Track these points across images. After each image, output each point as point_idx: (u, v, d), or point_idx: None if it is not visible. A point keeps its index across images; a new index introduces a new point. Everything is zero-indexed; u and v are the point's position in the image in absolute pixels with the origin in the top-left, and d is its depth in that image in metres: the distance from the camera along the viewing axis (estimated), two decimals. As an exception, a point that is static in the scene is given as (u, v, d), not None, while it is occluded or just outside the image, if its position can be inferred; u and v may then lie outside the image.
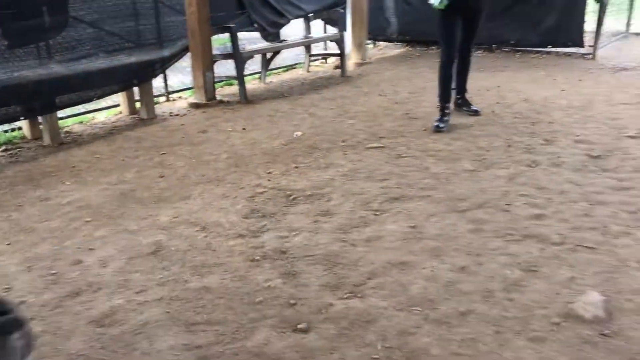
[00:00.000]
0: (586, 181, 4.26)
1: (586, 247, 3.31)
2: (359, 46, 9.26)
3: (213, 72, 6.92)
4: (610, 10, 9.93)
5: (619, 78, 7.43)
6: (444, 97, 5.67)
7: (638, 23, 10.47)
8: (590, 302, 2.75)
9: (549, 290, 2.88)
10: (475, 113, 6.03)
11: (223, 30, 6.96)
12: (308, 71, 9.03)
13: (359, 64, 9.21)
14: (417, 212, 3.81)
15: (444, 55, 5.60)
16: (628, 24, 10.15)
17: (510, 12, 9.10)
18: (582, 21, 8.61)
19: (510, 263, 3.14)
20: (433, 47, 9.80)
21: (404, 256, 3.24)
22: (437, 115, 5.68)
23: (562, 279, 2.99)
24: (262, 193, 4.19)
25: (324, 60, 9.78)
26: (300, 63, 9.38)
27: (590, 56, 8.56)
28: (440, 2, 5.24)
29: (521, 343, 2.49)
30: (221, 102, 7.10)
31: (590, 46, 8.61)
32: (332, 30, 9.08)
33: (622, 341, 2.50)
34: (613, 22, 10.05)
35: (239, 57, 6.98)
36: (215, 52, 7.05)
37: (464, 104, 6.09)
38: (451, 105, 5.79)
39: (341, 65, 8.53)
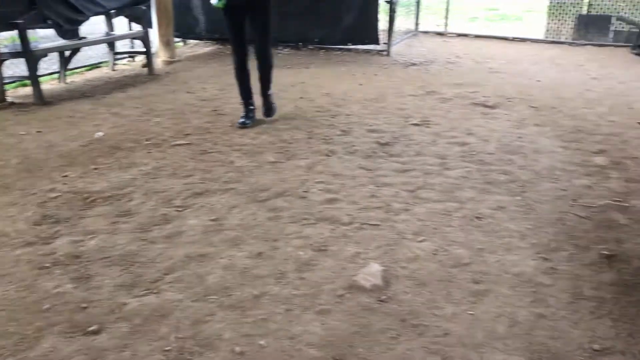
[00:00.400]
0: (375, 166, 4.66)
1: (371, 224, 3.64)
2: (167, 44, 9.09)
3: (0, 72, 6.34)
4: (401, 10, 10.90)
5: (408, 72, 8.20)
6: (242, 95, 5.78)
7: (425, 22, 11.65)
8: (371, 273, 3.04)
9: (336, 267, 3.13)
10: (267, 113, 5.92)
11: (9, 27, 6.40)
12: (113, 70, 8.66)
13: (168, 62, 9.05)
14: (219, 206, 3.89)
15: (233, 54, 5.64)
16: (417, 23, 11.25)
17: (314, 11, 9.57)
18: (376, 20, 9.35)
19: (303, 245, 3.35)
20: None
21: (203, 248, 3.30)
22: (244, 112, 5.80)
23: (349, 255, 3.26)
24: (55, 198, 3.96)
25: (131, 59, 9.44)
26: (105, 61, 8.96)
27: (385, 53, 9.34)
28: (219, 1, 5.28)
29: (309, 317, 2.69)
30: (13, 104, 6.55)
31: (384, 43, 9.38)
32: (137, 28, 8.80)
33: (396, 304, 2.81)
34: (405, 21, 11.06)
35: (29, 56, 6.48)
36: (3, 50, 6.47)
37: (263, 104, 5.96)
38: (255, 101, 5.92)
39: (148, 64, 8.31)
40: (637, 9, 10.15)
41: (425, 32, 11.42)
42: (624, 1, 10.15)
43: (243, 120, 5.70)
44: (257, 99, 5.89)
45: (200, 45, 10.54)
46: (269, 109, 5.92)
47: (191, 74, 8.26)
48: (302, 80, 7.67)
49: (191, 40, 10.72)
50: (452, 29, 11.39)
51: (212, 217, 3.71)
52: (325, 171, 4.53)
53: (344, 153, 4.96)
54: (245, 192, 4.10)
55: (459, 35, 11.24)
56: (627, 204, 3.95)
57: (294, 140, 5.27)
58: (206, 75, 7.99)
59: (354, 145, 5.13)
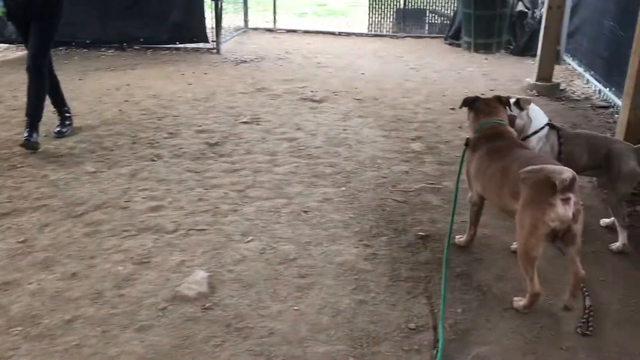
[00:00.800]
0: (204, 168, 4.55)
1: (198, 229, 3.54)
2: (-30, 48, 8.14)
3: None
4: (230, 7, 10.80)
5: (239, 69, 8.14)
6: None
7: (254, 19, 11.67)
8: (195, 280, 2.95)
9: (159, 278, 3.00)
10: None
11: None
12: None
13: (-27, 69, 8.11)
14: (29, 225, 3.55)
15: None
16: (246, 20, 11.24)
17: (137, 9, 9.13)
18: (203, 17, 9.16)
19: (124, 259, 3.17)
20: (62, 48, 9.25)
21: (9, 275, 2.99)
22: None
23: (173, 264, 3.14)
24: None
25: None
26: None
27: (215, 51, 9.19)
28: (1, 8, 4.84)
29: (127, 336, 2.54)
30: None
31: (213, 41, 9.23)
32: None
33: (221, 310, 2.76)
34: (234, 18, 10.98)
35: None
36: None
37: (59, 122, 5.35)
38: (71, 108, 5.49)
39: (-54, 71, 7.38)
40: (447, 2, 11.03)
41: (256, 29, 11.43)
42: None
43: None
44: (81, 105, 5.46)
45: (12, 49, 9.59)
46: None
47: (1, 81, 7.49)
48: (127, 82, 7.28)
49: (1, 45, 9.71)
50: (281, 25, 11.54)
51: (20, 239, 3.37)
52: (150, 177, 4.34)
53: (170, 157, 4.78)
54: (59, 208, 3.79)
55: (289, 31, 11.41)
56: (439, 186, 4.25)
57: (116, 147, 4.98)
58: (17, 82, 7.27)
59: (181, 148, 4.97)
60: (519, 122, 3.56)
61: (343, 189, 4.20)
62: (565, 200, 2.52)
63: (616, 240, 3.40)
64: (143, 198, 3.97)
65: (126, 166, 4.55)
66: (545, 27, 6.88)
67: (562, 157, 3.44)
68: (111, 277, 2.99)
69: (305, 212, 3.82)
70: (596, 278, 3.11)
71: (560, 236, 2.62)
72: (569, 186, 2.48)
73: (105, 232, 3.48)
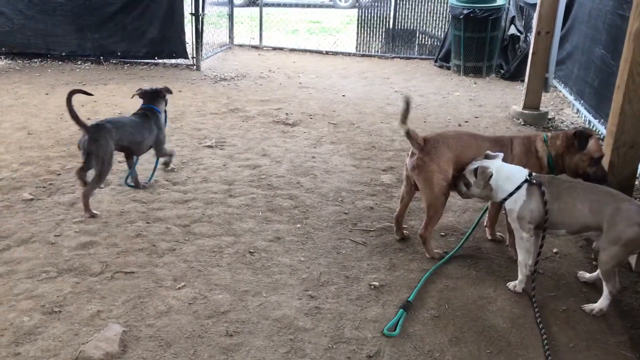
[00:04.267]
0: (152, 197, 4.20)
1: (126, 272, 3.18)
2: None
3: None
4: (214, 23, 10.50)
5: (216, 88, 7.81)
6: None
7: (241, 35, 11.35)
8: (106, 337, 2.58)
9: (67, 333, 2.63)
10: None
11: None
12: None
13: None
14: (-60, 262, 3.19)
15: None
16: (230, 37, 10.91)
17: (115, 22, 8.83)
18: (183, 33, 8.86)
19: (32, 307, 2.80)
20: (36, 60, 8.95)
21: None
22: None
23: (87, 315, 2.77)
24: None
25: None
26: None
27: (194, 67, 8.87)
28: None
29: (8, 410, 2.17)
30: None
31: (193, 57, 8.91)
32: None
33: (126, 376, 2.39)
34: (220, 33, 10.66)
35: None
36: None
37: None
38: None
39: None
40: (438, 23, 10.74)
41: (241, 46, 11.13)
42: (426, 16, 10.69)
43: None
44: (39, 123, 5.11)
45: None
46: None
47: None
48: (94, 98, 6.93)
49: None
50: (269, 42, 11.23)
51: None
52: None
53: (119, 184, 4.43)
54: (-22, 242, 3.43)
55: (275, 48, 11.09)
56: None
57: (63, 171, 4.63)
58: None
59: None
60: (474, 190, 3.18)
61: (298, 226, 3.84)
62: (411, 155, 3.43)
63: (593, 298, 3.02)
64: (76, 232, 3.61)
65: (68, 193, 4.20)
66: (533, 54, 6.57)
67: (547, 219, 2.97)
68: (12, 330, 2.62)
69: (251, 253, 3.46)
70: (565, 343, 2.74)
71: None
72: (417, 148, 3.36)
73: (22, 272, 3.11)
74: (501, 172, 3.10)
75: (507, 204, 3.09)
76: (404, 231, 3.75)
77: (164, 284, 3.08)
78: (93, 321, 2.73)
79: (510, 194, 3.05)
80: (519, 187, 3.04)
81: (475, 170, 3.12)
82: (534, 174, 3.12)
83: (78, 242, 3.49)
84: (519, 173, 3.10)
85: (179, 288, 3.05)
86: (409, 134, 3.34)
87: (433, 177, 3.30)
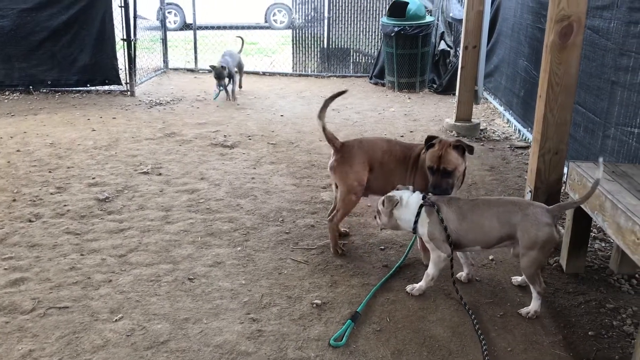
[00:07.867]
0: (86, 229, 4.08)
1: (59, 308, 3.07)
2: None
3: None
4: (148, 48, 10.37)
5: (151, 113, 7.69)
6: None
7: (173, 59, 11.25)
8: (38, 378, 2.47)
9: (-5, 377, 2.51)
10: None
11: None
12: None
13: None
14: None
15: None
16: (165, 61, 10.80)
17: (43, 50, 8.58)
18: (115, 58, 8.70)
19: (-43, 353, 2.66)
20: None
21: None
22: None
23: (18, 355, 2.66)
24: None
25: None
26: None
27: (128, 93, 8.72)
28: None
29: None
30: None
31: (127, 83, 8.76)
32: None
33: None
34: (153, 58, 10.53)
35: None
36: None
37: None
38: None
39: None
40: (371, 41, 10.96)
41: (176, 69, 11.02)
42: (358, 35, 10.89)
43: None
44: None
45: None
46: None
47: None
48: (24, 129, 6.71)
49: None
50: (206, 64, 11.12)
51: None
52: (20, 242, 3.83)
53: (52, 216, 4.28)
54: None
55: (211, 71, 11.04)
56: (344, 241, 3.92)
57: (-10, 206, 4.44)
58: None
59: (66, 205, 4.47)
60: (383, 219, 3.26)
61: (239, 249, 3.81)
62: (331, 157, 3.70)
63: (529, 301, 3.12)
64: (5, 269, 3.46)
65: (-4, 229, 4.03)
66: (462, 68, 6.80)
67: (449, 235, 3.04)
68: None
69: (190, 279, 3.40)
70: (503, 348, 2.81)
71: None
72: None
73: (-55, 316, 2.96)
74: (402, 201, 3.18)
75: (418, 231, 3.17)
76: (342, 229, 4.02)
77: (100, 317, 2.99)
78: (24, 362, 2.61)
79: (415, 221, 3.13)
80: (418, 213, 3.12)
81: (384, 200, 3.19)
82: (428, 195, 3.20)
83: (7, 279, 3.34)
84: (415, 198, 3.18)
85: (115, 320, 2.96)
86: (325, 131, 3.65)
87: (347, 177, 3.63)
